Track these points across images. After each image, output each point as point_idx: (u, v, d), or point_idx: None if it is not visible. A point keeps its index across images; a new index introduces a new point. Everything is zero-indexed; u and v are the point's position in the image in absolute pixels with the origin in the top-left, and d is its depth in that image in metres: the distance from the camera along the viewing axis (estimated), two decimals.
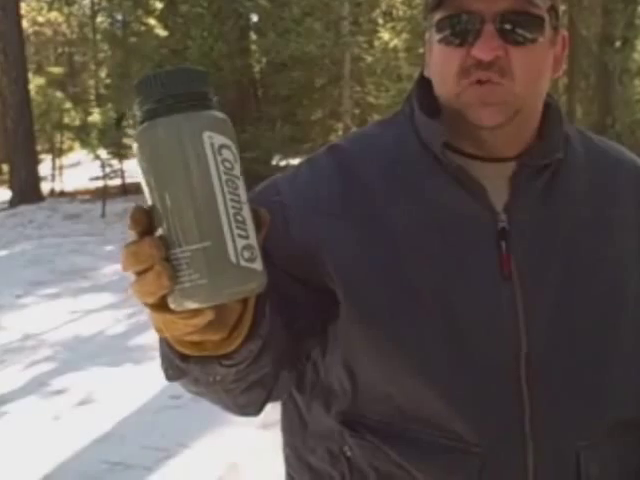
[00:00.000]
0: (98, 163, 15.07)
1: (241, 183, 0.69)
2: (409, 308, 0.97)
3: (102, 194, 13.69)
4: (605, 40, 13.79)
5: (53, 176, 16.83)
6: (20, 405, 4.48)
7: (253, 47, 14.74)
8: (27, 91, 15.27)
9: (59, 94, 17.74)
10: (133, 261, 0.68)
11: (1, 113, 15.64)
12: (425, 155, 1.01)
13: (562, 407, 0.99)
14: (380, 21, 18.57)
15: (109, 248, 10.09)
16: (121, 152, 15.32)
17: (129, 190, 15.12)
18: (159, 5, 15.06)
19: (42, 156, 17.25)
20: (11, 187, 15.07)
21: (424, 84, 1.05)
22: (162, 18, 14.59)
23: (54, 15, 26.41)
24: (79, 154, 19.59)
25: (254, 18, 14.45)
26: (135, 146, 0.69)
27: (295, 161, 10.28)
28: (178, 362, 0.80)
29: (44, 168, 16.52)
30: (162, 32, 14.55)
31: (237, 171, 0.69)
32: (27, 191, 14.60)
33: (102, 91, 21.21)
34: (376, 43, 18.06)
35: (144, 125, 0.69)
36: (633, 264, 1.04)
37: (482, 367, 0.97)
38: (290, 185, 1.05)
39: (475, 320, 0.97)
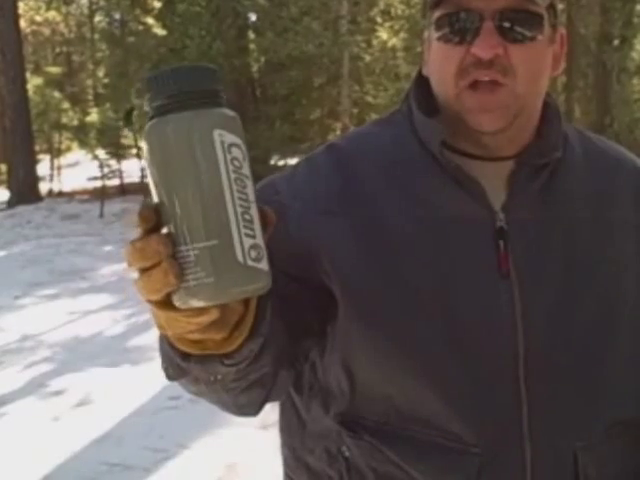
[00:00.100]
0: (96, 163, 15.10)
1: (249, 182, 0.69)
2: (407, 308, 0.97)
3: (100, 194, 13.70)
4: (603, 39, 13.82)
5: (51, 176, 16.85)
6: (19, 406, 4.48)
7: (251, 46, 14.76)
8: (25, 91, 15.28)
9: (57, 94, 17.75)
10: (139, 257, 0.67)
11: None
12: (423, 154, 1.00)
13: (560, 407, 0.98)
14: (378, 20, 18.60)
15: (107, 248, 10.10)
16: (119, 152, 15.36)
17: (127, 190, 15.13)
18: (157, 4, 15.08)
19: (40, 156, 17.26)
20: (9, 187, 15.08)
21: (422, 83, 1.05)
22: (160, 17, 14.60)
23: (52, 14, 26.42)
24: (77, 154, 19.62)
25: (252, 17, 14.48)
26: (144, 142, 0.69)
27: (293, 160, 10.28)
28: (179, 361, 0.80)
29: (42, 168, 16.53)
30: (160, 31, 14.56)
31: (246, 170, 0.69)
32: (25, 191, 14.61)
33: (100, 91, 21.24)
34: (374, 42, 18.10)
35: (154, 121, 0.68)
36: (632, 264, 1.04)
37: (481, 367, 0.97)
38: (288, 184, 1.04)
39: (473, 320, 0.97)
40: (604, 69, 13.83)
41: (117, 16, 17.85)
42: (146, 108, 0.69)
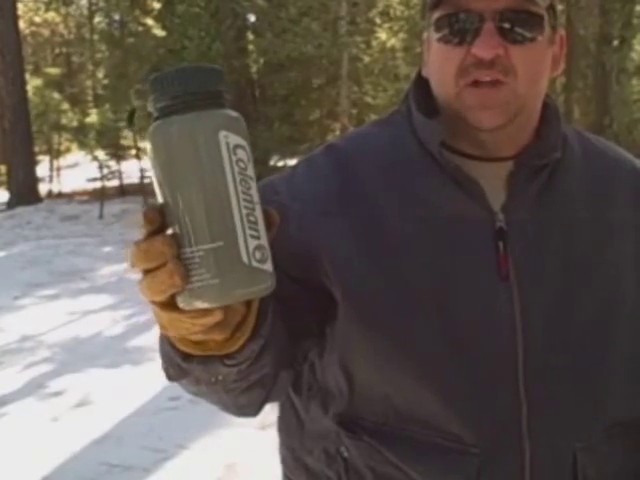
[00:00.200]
0: (96, 164, 15.09)
1: (254, 183, 0.69)
2: (407, 309, 0.97)
3: (100, 195, 13.70)
4: (603, 40, 13.82)
5: (51, 177, 16.85)
6: (18, 406, 4.47)
7: (250, 47, 14.76)
8: (24, 92, 15.27)
9: (56, 95, 17.75)
10: (143, 258, 0.67)
11: None
12: (422, 155, 1.00)
13: (559, 408, 0.98)
14: (377, 21, 18.61)
15: (107, 249, 10.10)
16: (119, 153, 15.35)
17: (127, 191, 15.13)
18: (157, 5, 15.06)
19: (40, 157, 17.26)
20: (9, 188, 15.08)
21: (421, 83, 1.05)
22: (160, 18, 14.59)
23: (51, 15, 26.39)
24: (77, 155, 19.61)
25: (251, 18, 14.48)
26: (148, 143, 0.68)
27: (293, 161, 10.27)
28: (180, 362, 0.80)
29: (42, 169, 16.53)
30: (160, 32, 14.55)
31: (250, 171, 0.69)
32: (25, 192, 14.61)
33: (100, 92, 21.20)
34: (373, 43, 18.11)
35: (158, 122, 0.68)
36: (631, 265, 1.04)
37: (480, 367, 0.97)
38: (288, 185, 1.04)
39: (473, 320, 0.97)
40: (603, 70, 13.84)
41: (116, 17, 17.83)
42: (150, 109, 0.69)
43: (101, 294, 7.46)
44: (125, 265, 8.24)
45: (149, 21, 15.38)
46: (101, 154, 15.29)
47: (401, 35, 17.52)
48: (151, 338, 4.96)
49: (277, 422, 1.15)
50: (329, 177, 1.02)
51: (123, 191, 15.27)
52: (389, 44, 17.88)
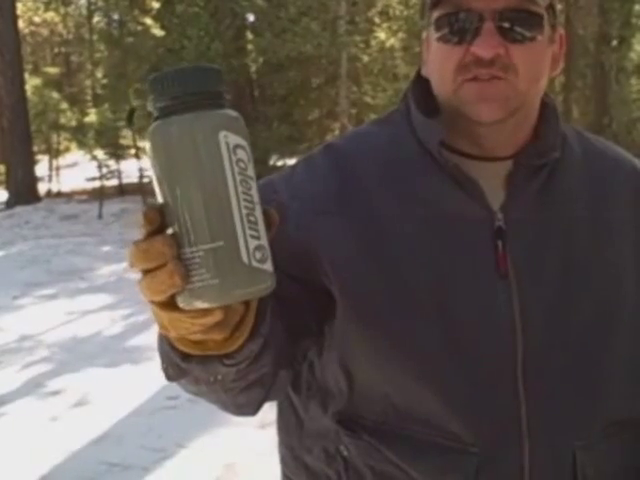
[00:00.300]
0: (95, 164, 15.08)
1: (254, 183, 0.69)
2: (406, 308, 0.97)
3: (99, 195, 13.69)
4: (602, 39, 13.84)
5: (50, 177, 16.85)
6: (17, 406, 4.47)
7: (249, 47, 14.75)
8: (23, 91, 15.27)
9: (55, 94, 17.74)
10: (143, 258, 0.67)
11: None
12: (422, 154, 1.00)
13: (558, 407, 0.98)
14: (377, 20, 18.61)
15: (106, 249, 10.09)
16: (118, 152, 15.34)
17: (126, 191, 15.12)
18: (155, 5, 15.05)
19: (39, 157, 17.26)
20: (7, 188, 15.07)
21: (421, 83, 1.05)
22: (159, 18, 14.58)
23: (50, 15, 26.39)
24: (76, 155, 19.59)
25: (250, 18, 14.47)
26: (148, 143, 0.68)
27: (292, 161, 10.30)
28: (179, 361, 0.80)
29: (41, 169, 16.52)
30: (159, 32, 14.54)
31: (250, 171, 0.69)
32: (24, 192, 14.60)
33: (99, 91, 21.21)
34: (373, 43, 18.11)
35: (158, 122, 0.68)
36: (630, 264, 1.04)
37: (479, 367, 0.97)
38: (287, 184, 1.04)
39: (472, 320, 0.97)
40: (602, 69, 13.85)
41: (115, 17, 17.86)
42: (150, 109, 0.69)
43: (100, 294, 7.46)
44: (124, 265, 8.24)
45: (148, 21, 15.37)
46: (100, 154, 15.28)
47: (400, 35, 17.53)
48: (150, 338, 4.96)
49: (276, 421, 1.15)
50: (328, 176, 1.02)
51: (122, 191, 15.26)
52: (388, 44, 17.88)
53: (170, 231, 0.68)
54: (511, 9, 0.93)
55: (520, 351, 0.96)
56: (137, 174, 14.51)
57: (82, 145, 16.73)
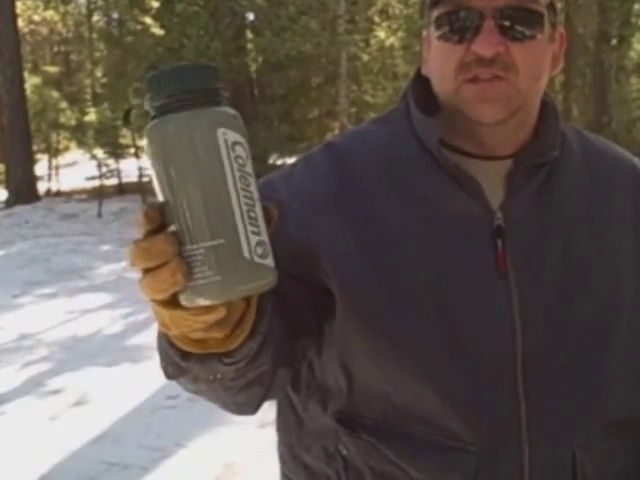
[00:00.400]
0: (94, 163, 15.09)
1: (253, 180, 0.69)
2: (406, 307, 0.97)
3: (98, 194, 13.70)
4: (601, 38, 13.84)
5: (49, 176, 16.85)
6: (16, 405, 4.47)
7: (249, 46, 14.74)
8: (23, 90, 15.26)
9: (55, 93, 17.76)
10: (144, 257, 0.67)
11: None
12: (421, 153, 1.00)
13: (558, 406, 0.98)
14: (376, 19, 18.62)
15: (105, 248, 10.09)
16: (117, 152, 15.34)
17: (125, 190, 15.13)
18: (155, 4, 15.04)
19: (38, 156, 17.25)
20: (7, 187, 15.07)
21: (421, 81, 1.05)
22: (158, 17, 14.57)
23: (50, 14, 26.39)
24: (75, 154, 19.61)
25: (250, 17, 14.46)
26: (146, 142, 0.68)
27: (292, 160, 10.28)
28: (178, 360, 0.80)
29: (40, 168, 16.52)
30: (158, 31, 14.52)
31: (249, 168, 0.69)
32: (23, 191, 14.60)
33: (98, 90, 21.21)
34: (372, 42, 18.12)
35: (156, 121, 0.68)
36: (630, 263, 1.04)
37: (479, 366, 0.97)
38: (286, 183, 1.04)
39: (471, 319, 0.97)
40: (602, 68, 13.86)
41: (115, 16, 17.86)
42: (147, 108, 0.69)
43: (99, 293, 7.46)
44: (124, 264, 8.24)
45: (148, 20, 15.35)
46: (100, 153, 15.28)
47: (400, 34, 17.51)
48: (150, 336, 4.96)
49: (276, 420, 1.15)
50: (328, 175, 1.02)
51: (122, 189, 15.27)
52: (388, 43, 17.88)
53: (171, 229, 0.68)
54: (512, 7, 0.93)
55: (520, 350, 0.96)
56: (137, 173, 14.51)
57: (81, 144, 16.74)
